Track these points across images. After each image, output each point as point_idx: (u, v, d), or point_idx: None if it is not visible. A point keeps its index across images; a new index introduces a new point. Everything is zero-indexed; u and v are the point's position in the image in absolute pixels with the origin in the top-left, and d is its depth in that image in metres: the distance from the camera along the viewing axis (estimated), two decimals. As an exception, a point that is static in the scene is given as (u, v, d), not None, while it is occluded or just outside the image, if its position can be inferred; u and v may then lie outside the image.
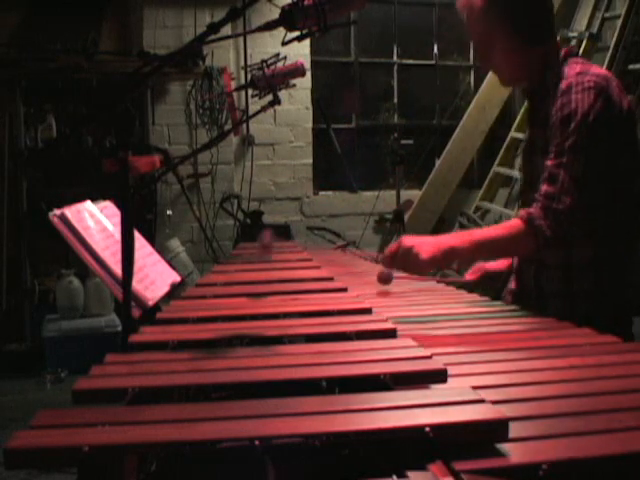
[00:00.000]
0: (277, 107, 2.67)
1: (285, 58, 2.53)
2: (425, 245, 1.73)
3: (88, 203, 2.17)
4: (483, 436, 0.88)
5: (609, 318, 1.82)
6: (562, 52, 1.91)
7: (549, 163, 1.78)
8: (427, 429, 0.87)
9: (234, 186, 5.94)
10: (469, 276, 2.18)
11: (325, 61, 6.52)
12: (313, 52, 6.15)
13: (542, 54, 1.90)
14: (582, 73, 1.81)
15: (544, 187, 1.76)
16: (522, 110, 6.08)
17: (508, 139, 6.24)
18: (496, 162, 6.31)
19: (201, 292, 1.91)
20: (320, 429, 0.88)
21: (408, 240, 1.76)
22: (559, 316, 1.64)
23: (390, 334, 1.40)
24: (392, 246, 1.79)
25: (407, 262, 1.74)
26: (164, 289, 2.16)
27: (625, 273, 1.90)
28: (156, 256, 2.34)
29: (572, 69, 1.84)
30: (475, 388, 1.01)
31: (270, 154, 6.14)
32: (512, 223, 1.79)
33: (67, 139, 5.30)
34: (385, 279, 1.99)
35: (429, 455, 0.85)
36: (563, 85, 1.81)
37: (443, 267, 1.82)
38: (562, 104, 1.78)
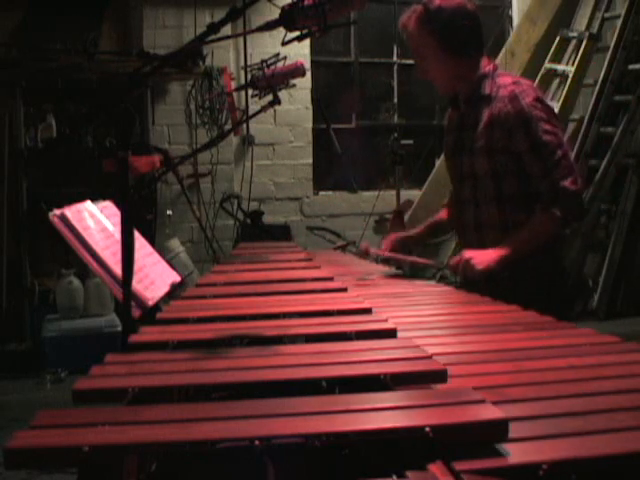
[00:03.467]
0: (277, 107, 2.67)
1: (285, 58, 2.53)
2: (481, 257, 2.11)
3: (88, 203, 2.17)
4: (483, 436, 0.88)
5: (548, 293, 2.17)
6: (490, 66, 2.24)
7: (535, 168, 2.13)
8: (427, 429, 0.87)
9: (234, 186, 5.93)
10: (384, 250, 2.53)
11: (325, 61, 6.52)
12: (313, 52, 6.15)
13: (471, 65, 2.22)
14: (518, 82, 2.19)
15: (544, 185, 2.12)
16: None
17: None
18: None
19: (201, 292, 1.91)
20: (320, 429, 0.88)
21: (468, 253, 2.14)
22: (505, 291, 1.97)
23: (390, 334, 1.40)
24: (455, 258, 2.19)
25: (467, 270, 2.12)
26: (164, 289, 2.16)
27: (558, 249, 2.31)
28: (156, 256, 2.34)
29: (505, 80, 2.20)
30: (475, 388, 1.01)
31: (270, 154, 6.13)
32: (538, 219, 2.15)
33: (67, 139, 5.30)
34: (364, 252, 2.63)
35: (429, 455, 0.85)
36: (503, 92, 2.16)
37: (497, 272, 2.14)
38: (515, 111, 2.12)
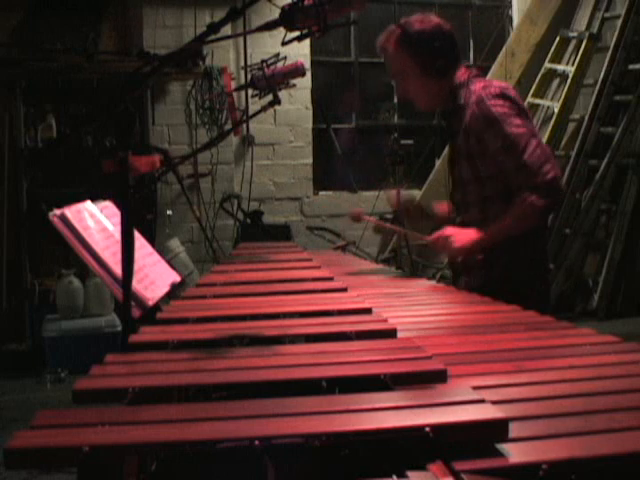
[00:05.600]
0: (277, 107, 2.67)
1: (285, 58, 2.53)
2: (461, 235, 2.19)
3: (88, 203, 2.17)
4: (483, 436, 0.88)
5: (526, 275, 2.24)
6: (466, 74, 2.28)
7: (509, 163, 2.16)
8: (427, 429, 0.87)
9: (234, 186, 5.93)
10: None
11: (325, 61, 6.52)
12: (313, 52, 6.15)
13: (448, 81, 2.27)
14: (486, 86, 2.22)
15: (521, 176, 2.13)
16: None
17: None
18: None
19: (201, 292, 1.91)
20: (320, 429, 0.88)
21: (449, 230, 2.23)
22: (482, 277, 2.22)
23: (390, 334, 1.40)
24: (437, 233, 2.26)
25: (445, 247, 2.22)
26: (164, 289, 2.16)
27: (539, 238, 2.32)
28: (156, 256, 2.34)
29: (477, 85, 2.24)
30: (475, 388, 1.01)
31: (270, 154, 6.13)
32: (517, 208, 2.15)
33: (67, 139, 5.30)
34: (356, 217, 2.70)
35: (429, 455, 0.85)
36: (473, 98, 2.20)
37: (473, 254, 2.24)
38: (482, 114, 2.17)
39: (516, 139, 2.13)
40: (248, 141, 5.99)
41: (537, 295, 2.21)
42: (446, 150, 2.55)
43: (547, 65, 6.42)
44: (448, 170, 2.46)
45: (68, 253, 4.65)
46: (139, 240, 2.22)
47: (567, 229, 5.99)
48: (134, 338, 1.38)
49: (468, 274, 2.32)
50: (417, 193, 6.36)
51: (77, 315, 4.98)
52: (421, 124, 6.78)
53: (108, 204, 2.26)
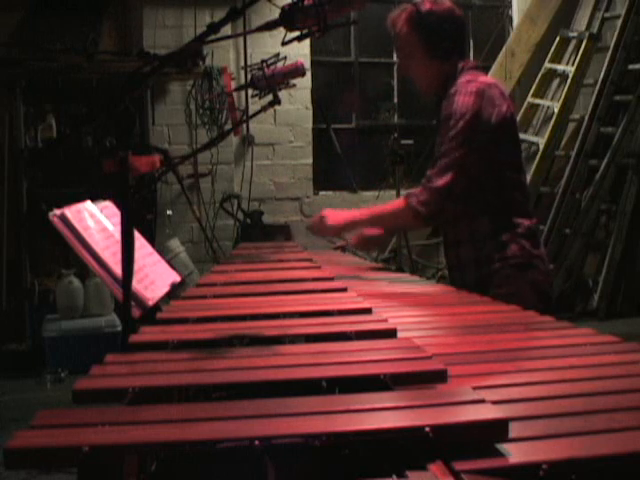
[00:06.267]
0: (277, 107, 2.67)
1: (285, 58, 2.53)
2: (334, 215, 2.36)
3: (88, 203, 2.17)
4: (483, 436, 0.88)
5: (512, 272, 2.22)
6: (461, 65, 2.27)
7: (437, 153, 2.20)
8: (427, 429, 0.87)
9: (234, 186, 5.93)
10: (353, 240, 2.62)
11: (325, 61, 6.53)
12: (313, 52, 6.15)
13: (450, 67, 2.28)
14: (470, 81, 2.21)
15: (427, 171, 2.21)
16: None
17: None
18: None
19: (201, 292, 1.91)
20: (320, 429, 0.88)
21: (325, 211, 2.39)
22: (474, 277, 2.23)
23: (390, 334, 1.40)
24: (315, 216, 2.42)
25: (319, 227, 2.38)
26: (164, 289, 2.16)
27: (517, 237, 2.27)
28: (156, 256, 2.34)
29: (464, 77, 2.24)
30: (475, 388, 1.01)
31: (270, 154, 6.13)
32: (398, 201, 2.27)
33: (67, 139, 5.30)
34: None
35: (429, 455, 0.85)
36: (452, 90, 2.22)
37: (343, 233, 2.43)
38: (448, 104, 2.19)
39: (450, 140, 2.15)
40: (248, 141, 5.99)
41: (537, 294, 2.21)
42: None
43: (547, 65, 6.42)
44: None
45: (68, 253, 4.66)
46: (139, 240, 2.22)
47: (567, 229, 5.99)
48: (134, 338, 1.38)
49: (461, 270, 2.32)
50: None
51: (77, 315, 4.99)
52: (421, 124, 6.78)
53: (108, 204, 2.26)
